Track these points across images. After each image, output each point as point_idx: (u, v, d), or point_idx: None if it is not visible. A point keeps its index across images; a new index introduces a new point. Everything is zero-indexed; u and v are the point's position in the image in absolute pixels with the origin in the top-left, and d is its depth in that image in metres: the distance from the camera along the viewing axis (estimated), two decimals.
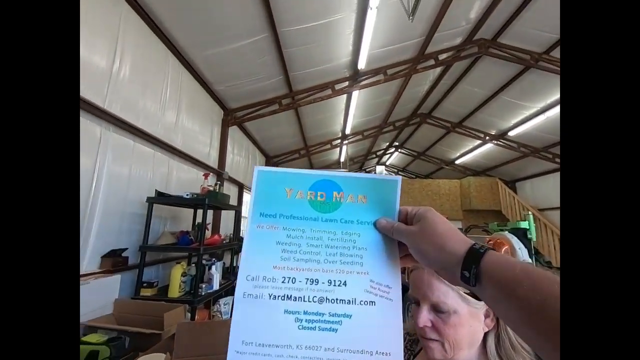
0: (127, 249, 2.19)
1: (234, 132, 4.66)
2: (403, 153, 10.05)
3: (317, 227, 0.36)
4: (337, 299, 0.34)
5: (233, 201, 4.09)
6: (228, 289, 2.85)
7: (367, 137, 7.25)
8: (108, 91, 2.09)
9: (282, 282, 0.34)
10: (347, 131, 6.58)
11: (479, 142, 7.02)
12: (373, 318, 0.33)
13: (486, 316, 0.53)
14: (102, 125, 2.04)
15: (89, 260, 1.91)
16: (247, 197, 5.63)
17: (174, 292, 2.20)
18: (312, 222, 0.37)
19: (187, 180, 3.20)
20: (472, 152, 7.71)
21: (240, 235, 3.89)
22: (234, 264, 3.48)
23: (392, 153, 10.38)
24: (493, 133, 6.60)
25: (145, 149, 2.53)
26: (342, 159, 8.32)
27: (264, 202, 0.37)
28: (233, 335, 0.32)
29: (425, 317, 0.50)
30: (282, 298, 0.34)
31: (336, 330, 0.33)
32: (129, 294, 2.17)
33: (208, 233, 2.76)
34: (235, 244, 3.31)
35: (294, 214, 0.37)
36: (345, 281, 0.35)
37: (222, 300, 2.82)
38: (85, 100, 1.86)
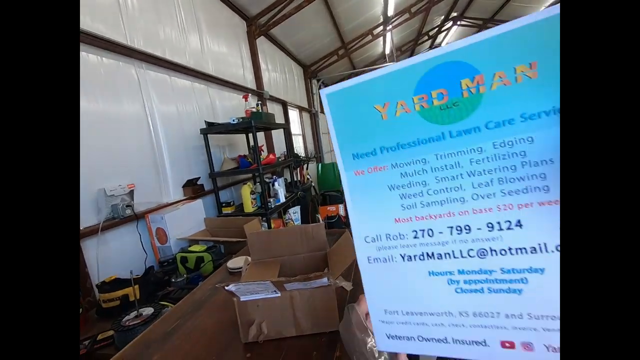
0: (199, 177, 2.47)
1: (262, 44, 4.27)
2: (464, 25, 8.13)
3: (445, 150, 0.23)
4: (509, 249, 0.23)
5: (279, 120, 4.08)
6: (294, 199, 3.16)
7: (417, 14, 5.91)
8: (125, 26, 1.98)
9: (414, 237, 0.25)
10: (390, 12, 5.42)
11: None
12: None
13: None
14: (134, 65, 2.03)
15: (173, 191, 2.23)
16: (292, 114, 5.57)
17: (248, 207, 2.51)
18: (435, 143, 0.24)
19: (231, 108, 3.23)
20: None
21: (295, 152, 4.03)
22: (294, 179, 3.74)
23: (449, 29, 8.50)
24: None
25: (183, 81, 2.52)
26: (387, 51, 7.22)
27: (352, 138, 0.26)
28: (372, 305, 0.28)
29: None
30: (421, 257, 0.25)
31: (520, 290, 0.23)
32: (214, 213, 2.57)
33: (264, 154, 2.90)
34: (290, 161, 3.50)
35: (402, 140, 0.25)
36: (518, 220, 0.22)
37: (291, 210, 3.17)
38: (111, 41, 1.82)
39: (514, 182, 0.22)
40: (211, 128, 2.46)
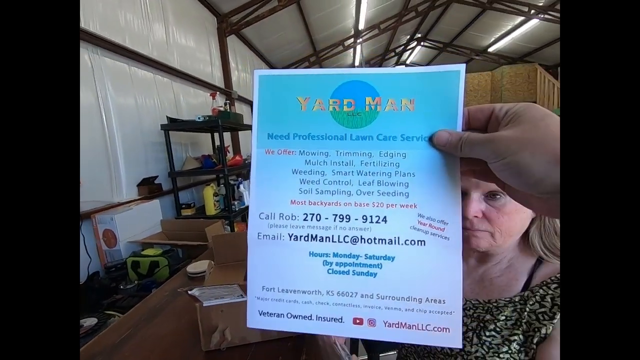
0: (157, 176, 2.31)
1: (233, 43, 4.16)
2: (426, 46, 8.79)
3: (345, 149, 0.28)
4: (374, 239, 0.27)
5: (247, 121, 4.01)
6: None
7: (385, 31, 6.26)
8: (81, 8, 1.80)
9: (304, 219, 0.28)
10: (361, 26, 5.66)
11: (520, 19, 5.84)
12: (422, 260, 0.27)
13: None
14: (88, 49, 1.85)
15: (126, 189, 2.05)
16: None
17: (210, 210, 2.40)
18: (339, 141, 0.28)
19: (197, 105, 3.08)
20: (510, 34, 6.54)
21: None
22: None
23: (413, 48, 9.12)
24: (541, 4, 5.38)
25: (144, 73, 2.35)
26: (356, 62, 7.50)
27: (271, 119, 0.28)
28: (251, 281, 0.28)
29: (476, 207, 0.45)
30: (306, 238, 0.28)
31: (375, 274, 0.27)
32: (172, 215, 2.41)
33: (230, 155, 2.81)
34: None
35: (313, 132, 0.28)
36: (385, 217, 0.27)
37: None
38: None
39: (387, 186, 0.27)
40: (173, 124, 2.32)
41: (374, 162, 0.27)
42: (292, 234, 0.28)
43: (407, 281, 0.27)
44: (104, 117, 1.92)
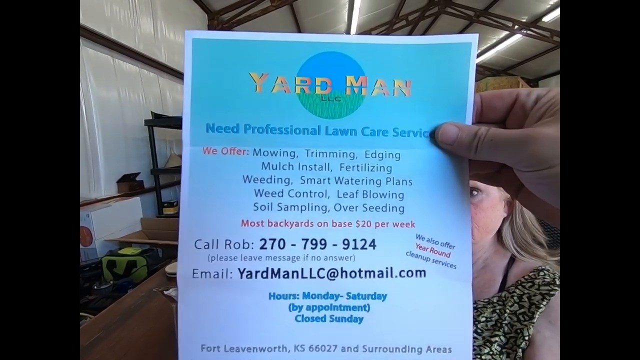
0: (139, 173, 2.23)
1: None
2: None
3: (318, 147, 0.20)
4: (359, 271, 0.20)
5: None
6: None
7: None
8: None
9: (262, 247, 0.20)
10: (353, 31, 5.73)
11: (505, 33, 6.08)
12: (422, 297, 0.21)
13: (507, 202, 0.50)
14: None
15: (105, 186, 1.98)
16: None
17: None
18: (310, 137, 0.20)
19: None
20: (495, 47, 6.79)
21: None
22: None
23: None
24: (524, 20, 5.63)
25: (129, 66, 2.28)
26: None
27: (211, 104, 0.20)
28: (184, 338, 0.20)
29: None
30: (264, 275, 0.20)
31: (360, 319, 0.20)
32: (153, 213, 2.33)
33: None
34: None
35: (273, 123, 0.20)
36: (373, 240, 0.21)
37: None
38: None
39: (376, 198, 0.21)
40: (158, 120, 2.26)
41: (358, 166, 0.21)
42: (245, 269, 0.20)
43: (403, 326, 0.21)
44: (83, 109, 1.84)
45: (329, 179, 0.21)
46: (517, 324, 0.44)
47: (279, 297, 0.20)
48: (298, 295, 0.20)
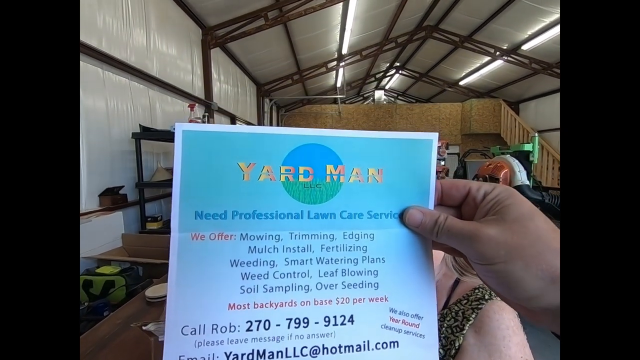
0: (123, 186, 2.17)
1: (217, 55, 4.15)
2: (404, 75, 9.33)
3: (301, 230, 0.22)
4: (339, 347, 0.21)
5: None
6: None
7: (367, 57, 6.58)
8: None
9: (248, 329, 0.21)
10: (344, 51, 5.92)
11: (487, 59, 6.43)
12: None
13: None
14: None
15: (86, 199, 1.90)
16: None
17: None
18: (293, 221, 0.22)
19: (173, 114, 2.99)
20: (478, 71, 7.14)
21: None
22: None
23: (392, 75, 9.63)
24: (505, 47, 5.97)
25: (119, 78, 2.25)
26: (338, 84, 7.76)
27: (200, 191, 0.21)
28: None
29: None
30: (250, 357, 0.20)
31: None
32: (136, 229, 2.25)
33: None
34: None
35: (260, 209, 0.22)
36: (351, 316, 0.22)
37: None
38: None
39: (354, 276, 0.22)
40: (146, 133, 2.23)
41: (337, 247, 0.22)
42: (231, 353, 0.20)
43: None
44: None
45: (311, 259, 0.22)
46: (451, 336, 0.48)
47: None
48: None
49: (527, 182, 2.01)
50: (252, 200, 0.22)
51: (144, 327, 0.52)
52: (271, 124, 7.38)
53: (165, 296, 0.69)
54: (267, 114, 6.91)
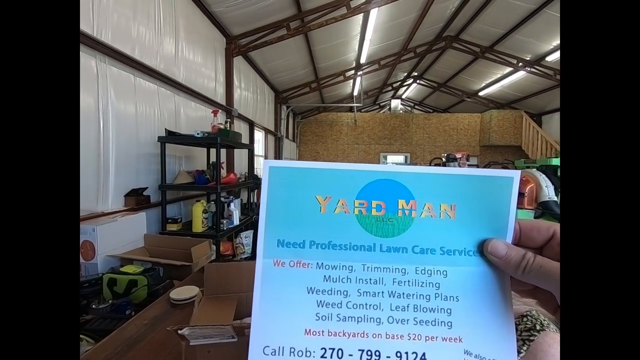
0: (147, 188, 2.24)
1: (239, 63, 4.28)
2: (421, 84, 9.26)
3: (373, 262, 0.23)
4: None
5: (245, 139, 4.01)
6: (247, 223, 3.02)
7: (384, 67, 6.59)
8: (94, 15, 1.84)
9: (322, 356, 0.22)
10: (363, 60, 5.96)
11: (509, 69, 6.29)
12: None
13: None
14: (96, 57, 1.86)
15: (113, 199, 1.98)
16: (258, 134, 5.52)
17: (198, 227, 2.32)
18: (366, 253, 0.23)
19: (196, 119, 3.09)
20: (499, 82, 6.99)
21: (255, 173, 3.93)
22: (251, 201, 3.62)
23: (409, 85, 9.59)
24: (528, 58, 5.84)
25: (148, 84, 2.36)
26: (355, 93, 7.79)
27: (282, 221, 0.23)
28: None
29: None
30: None
31: None
32: (157, 229, 2.31)
33: (223, 172, 2.78)
34: (250, 182, 3.38)
35: (335, 240, 0.23)
36: (424, 354, 0.22)
37: (243, 234, 3.01)
38: None
39: (426, 312, 0.22)
40: (171, 137, 2.30)
41: (409, 281, 0.22)
42: None
43: None
44: (101, 123, 1.89)
45: (382, 292, 0.23)
46: None
47: None
48: None
49: (555, 198, 1.94)
50: (328, 232, 0.23)
51: (179, 331, 0.53)
52: (287, 131, 7.48)
53: (188, 299, 0.70)
54: (284, 120, 7.01)
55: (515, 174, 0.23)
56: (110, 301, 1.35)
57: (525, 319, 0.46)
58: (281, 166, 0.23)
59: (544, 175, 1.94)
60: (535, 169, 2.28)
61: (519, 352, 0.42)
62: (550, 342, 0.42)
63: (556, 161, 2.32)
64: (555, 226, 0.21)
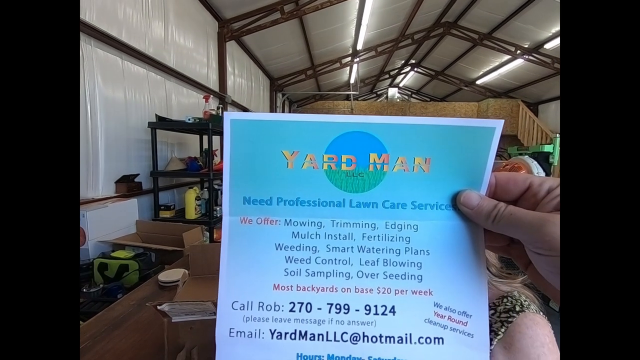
0: (138, 174, 2.22)
1: (232, 48, 4.17)
2: (419, 72, 9.16)
3: (343, 218, 0.22)
4: (380, 337, 0.22)
5: None
6: None
7: (381, 54, 6.48)
8: None
9: (291, 310, 0.22)
10: (359, 46, 5.84)
11: (507, 57, 6.22)
12: None
13: None
14: (81, 39, 1.80)
15: (103, 186, 1.96)
16: None
17: (191, 214, 2.32)
18: (335, 209, 0.22)
19: (188, 105, 3.04)
20: (497, 70, 6.93)
21: None
22: None
23: (407, 73, 9.47)
24: (526, 46, 5.77)
25: (137, 68, 2.30)
26: (352, 80, 7.68)
27: (248, 178, 0.22)
28: None
29: None
30: (292, 336, 0.22)
31: None
32: (149, 216, 2.31)
33: (217, 159, 2.76)
34: None
35: (303, 196, 0.22)
36: (393, 307, 0.22)
37: None
38: None
39: (396, 267, 0.22)
40: (162, 123, 2.27)
41: (378, 236, 0.22)
42: (275, 330, 0.22)
43: None
44: (88, 108, 1.85)
45: (352, 247, 0.22)
46: None
47: (306, 358, 0.22)
48: (323, 357, 0.22)
49: None
50: (296, 188, 0.22)
51: (158, 307, 0.53)
52: None
53: (176, 281, 0.70)
54: (280, 108, 6.93)
55: (498, 124, 0.21)
56: (101, 285, 1.36)
57: (505, 300, 0.45)
58: (244, 119, 0.22)
59: (535, 162, 1.96)
60: (527, 156, 2.29)
61: (496, 334, 0.42)
62: (529, 323, 0.40)
63: (548, 148, 2.33)
64: (532, 178, 0.21)
